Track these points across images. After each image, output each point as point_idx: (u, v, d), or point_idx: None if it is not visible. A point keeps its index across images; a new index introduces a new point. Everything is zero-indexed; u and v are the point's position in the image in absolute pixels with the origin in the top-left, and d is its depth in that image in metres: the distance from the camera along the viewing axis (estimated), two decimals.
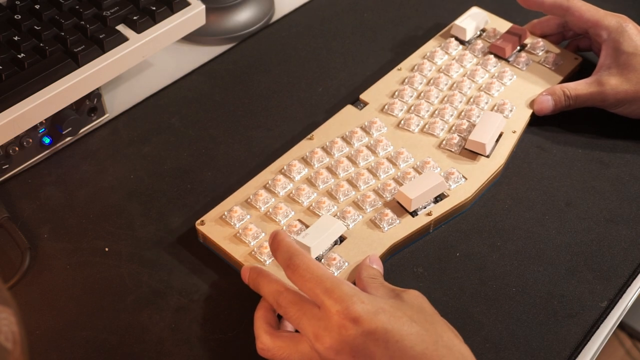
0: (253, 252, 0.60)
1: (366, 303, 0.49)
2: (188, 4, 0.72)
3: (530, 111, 0.72)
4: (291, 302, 0.52)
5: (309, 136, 0.69)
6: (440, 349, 0.49)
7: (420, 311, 0.51)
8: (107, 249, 0.63)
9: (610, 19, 0.72)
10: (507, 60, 0.77)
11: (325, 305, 0.50)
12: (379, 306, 0.50)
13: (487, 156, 0.67)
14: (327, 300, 0.50)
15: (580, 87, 0.71)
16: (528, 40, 0.78)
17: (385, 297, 0.52)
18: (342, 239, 0.61)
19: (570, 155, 0.71)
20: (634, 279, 0.62)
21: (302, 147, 0.68)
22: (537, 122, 0.73)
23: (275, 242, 0.55)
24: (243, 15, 0.84)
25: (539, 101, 0.72)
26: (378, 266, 0.58)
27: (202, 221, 0.62)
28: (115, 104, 0.76)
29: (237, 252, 0.60)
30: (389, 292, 0.54)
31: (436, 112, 0.72)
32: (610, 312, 0.59)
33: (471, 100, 0.73)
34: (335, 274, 0.57)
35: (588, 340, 0.58)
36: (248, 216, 0.63)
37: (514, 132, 0.70)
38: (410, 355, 0.48)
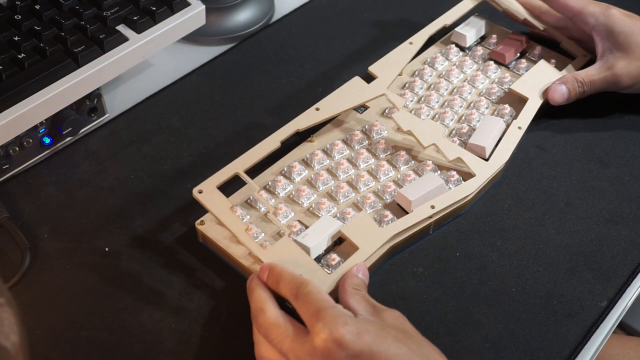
0: (253, 252, 0.60)
1: (350, 325, 0.49)
2: (188, 4, 0.72)
3: (531, 112, 0.72)
4: (273, 324, 0.51)
5: (315, 106, 0.68)
6: None
7: (403, 332, 0.50)
8: (107, 249, 0.63)
9: (594, 6, 0.73)
10: (507, 67, 0.77)
11: (313, 327, 0.49)
12: (363, 327, 0.49)
13: (487, 159, 0.67)
14: (316, 324, 0.49)
15: (591, 72, 0.71)
16: (528, 47, 0.78)
17: (366, 314, 0.52)
18: (341, 239, 0.61)
19: (570, 155, 0.71)
20: (634, 278, 0.62)
21: (303, 146, 0.68)
22: (537, 122, 0.73)
23: (275, 275, 0.54)
24: (243, 15, 0.84)
25: (553, 90, 0.71)
26: (364, 276, 0.57)
27: (202, 221, 0.62)
28: (115, 104, 0.76)
29: (236, 251, 0.60)
30: (369, 307, 0.53)
31: (437, 116, 0.72)
32: (610, 312, 0.59)
33: (471, 105, 0.73)
34: (333, 273, 0.57)
35: (588, 340, 0.58)
36: (248, 217, 0.63)
37: (520, 128, 0.69)
38: None
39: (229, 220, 0.59)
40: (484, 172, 0.65)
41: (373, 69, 0.72)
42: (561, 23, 0.77)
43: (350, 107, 0.68)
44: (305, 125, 0.66)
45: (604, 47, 0.72)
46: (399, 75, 0.76)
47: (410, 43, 0.75)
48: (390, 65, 0.72)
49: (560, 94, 0.71)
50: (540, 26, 0.78)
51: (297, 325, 0.51)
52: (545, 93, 0.72)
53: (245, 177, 0.62)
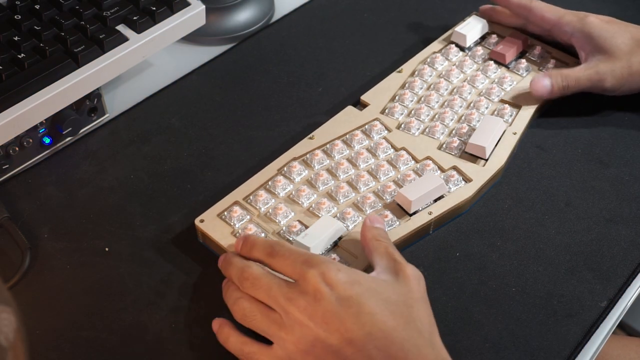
0: None
1: (343, 272, 0.50)
2: (188, 4, 0.72)
3: (531, 113, 0.72)
4: (260, 274, 0.52)
5: (309, 136, 0.69)
6: (411, 330, 0.49)
7: (404, 293, 0.51)
8: (107, 249, 0.63)
9: (570, 15, 0.74)
10: (507, 67, 0.77)
11: (303, 274, 0.50)
12: (355, 278, 0.50)
13: (487, 159, 0.67)
14: (305, 269, 0.50)
15: (577, 70, 0.72)
16: (528, 47, 0.79)
17: (383, 272, 0.52)
18: (341, 238, 0.61)
19: (570, 155, 0.71)
20: (634, 278, 0.62)
21: (302, 146, 0.68)
22: (537, 122, 0.73)
23: (250, 242, 0.55)
24: (243, 15, 0.84)
25: (536, 82, 0.71)
26: (381, 224, 0.58)
27: (202, 219, 0.62)
28: (115, 104, 0.76)
29: None
30: (390, 263, 0.53)
31: (437, 116, 0.72)
32: (610, 312, 0.59)
33: (471, 105, 0.73)
34: None
35: (588, 340, 0.58)
36: (248, 216, 0.63)
37: (514, 133, 0.70)
38: (380, 329, 0.48)
39: (231, 245, 0.60)
40: (480, 177, 0.66)
41: (365, 98, 0.73)
42: (543, 32, 0.78)
43: (344, 133, 0.69)
44: (300, 153, 0.67)
45: (587, 52, 0.72)
46: (399, 72, 0.76)
47: (399, 71, 0.76)
48: (382, 93, 0.74)
49: (542, 86, 0.71)
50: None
51: (282, 277, 0.52)
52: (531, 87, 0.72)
53: (246, 205, 0.63)
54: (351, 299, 0.49)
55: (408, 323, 0.49)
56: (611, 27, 0.71)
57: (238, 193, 0.64)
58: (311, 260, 0.51)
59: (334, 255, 0.59)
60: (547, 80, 0.71)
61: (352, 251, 0.60)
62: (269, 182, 0.65)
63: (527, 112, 0.72)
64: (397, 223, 0.62)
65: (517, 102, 0.73)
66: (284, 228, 0.62)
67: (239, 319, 0.54)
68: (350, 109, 0.72)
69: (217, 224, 0.62)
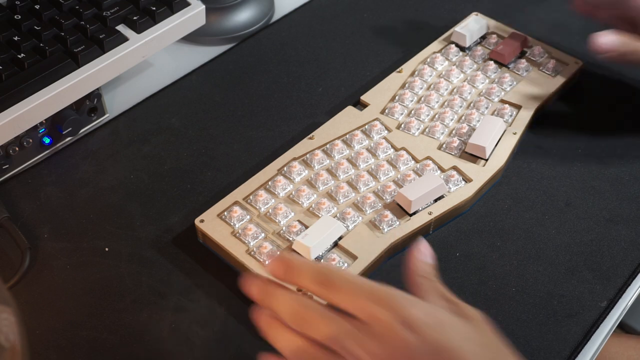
0: (252, 252, 0.60)
1: (417, 307, 0.41)
2: (188, 4, 0.72)
3: (531, 113, 0.72)
4: (321, 315, 0.42)
5: (309, 136, 0.69)
6: None
7: (485, 336, 0.43)
8: (107, 249, 0.63)
9: None
10: (507, 67, 0.77)
11: (372, 314, 0.41)
12: (438, 317, 0.41)
13: (487, 159, 0.67)
14: (374, 307, 0.41)
15: None
16: (528, 47, 0.78)
17: (444, 309, 0.44)
18: (341, 238, 0.61)
19: (570, 155, 0.71)
20: (634, 279, 0.62)
21: (303, 146, 0.68)
22: (537, 122, 0.73)
23: (295, 267, 0.45)
24: (243, 15, 0.84)
25: (603, 35, 0.66)
26: (432, 257, 0.48)
27: (202, 219, 0.62)
28: (115, 104, 0.76)
29: (236, 250, 0.60)
30: (446, 303, 0.44)
31: (436, 116, 0.72)
32: (610, 312, 0.59)
33: (471, 105, 0.73)
34: None
35: (588, 340, 0.58)
36: (248, 217, 0.63)
37: (514, 133, 0.70)
38: None
39: (231, 245, 0.60)
40: (480, 177, 0.66)
41: (365, 97, 0.73)
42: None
43: (344, 133, 0.69)
44: (300, 153, 0.67)
45: None
46: (399, 72, 0.76)
47: (399, 71, 0.76)
48: (382, 93, 0.74)
49: (610, 40, 0.66)
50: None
51: (346, 317, 0.42)
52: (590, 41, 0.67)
53: (246, 206, 0.63)
54: (439, 343, 0.40)
55: None
56: None
57: (238, 193, 0.64)
58: (376, 293, 0.42)
59: (334, 256, 0.59)
60: (614, 38, 0.66)
61: (352, 251, 0.60)
62: (269, 182, 0.65)
63: (527, 112, 0.72)
64: (397, 223, 0.62)
65: (517, 102, 0.73)
66: (284, 228, 0.62)
67: None
68: (350, 109, 0.72)
69: (217, 224, 0.62)
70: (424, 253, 0.48)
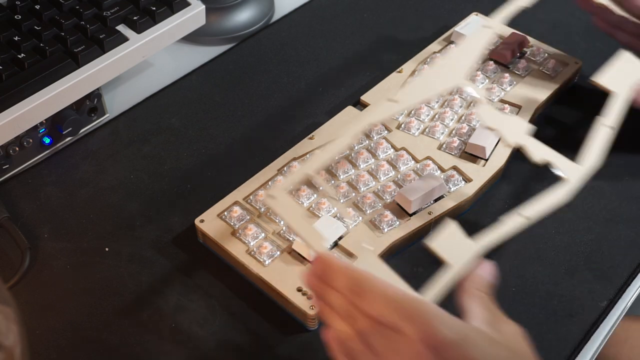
0: (252, 252, 0.60)
1: (447, 326, 0.41)
2: (188, 4, 0.72)
3: (531, 113, 0.72)
4: (365, 325, 0.44)
5: (309, 136, 0.69)
6: None
7: (513, 351, 0.44)
8: (107, 249, 0.63)
9: None
10: (507, 67, 0.77)
11: (399, 329, 0.42)
12: (463, 333, 0.42)
13: (487, 159, 0.67)
14: (402, 323, 0.42)
15: None
16: (528, 47, 0.78)
17: (480, 321, 0.44)
18: (341, 239, 0.61)
19: (570, 155, 0.70)
20: (634, 278, 0.62)
21: (303, 146, 0.68)
22: (537, 122, 0.73)
23: (331, 269, 0.46)
24: (243, 15, 0.84)
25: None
26: (492, 276, 0.49)
27: (202, 219, 0.62)
28: (115, 104, 0.76)
29: (236, 250, 0.60)
30: (487, 314, 0.45)
31: (436, 116, 0.72)
32: (610, 312, 0.59)
33: (471, 105, 0.73)
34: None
35: (588, 340, 0.58)
36: (248, 217, 0.63)
37: None
38: None
39: (231, 245, 0.60)
40: (480, 177, 0.66)
41: (365, 97, 0.73)
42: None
43: (344, 134, 0.68)
44: (300, 153, 0.67)
45: None
46: (399, 72, 0.76)
47: (400, 71, 0.76)
48: (382, 93, 0.73)
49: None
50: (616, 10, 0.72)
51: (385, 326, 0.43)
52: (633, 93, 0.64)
53: (246, 206, 0.63)
54: None
55: None
56: None
57: (238, 193, 0.64)
58: (406, 307, 0.42)
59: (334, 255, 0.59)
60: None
61: (352, 251, 0.60)
62: (269, 183, 0.65)
63: (527, 112, 0.72)
64: (397, 223, 0.62)
65: (517, 102, 0.73)
66: (284, 228, 0.62)
67: (342, 353, 0.46)
68: (350, 109, 0.72)
69: (217, 224, 0.62)
70: (487, 270, 0.49)
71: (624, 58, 0.64)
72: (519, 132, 0.60)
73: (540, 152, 0.59)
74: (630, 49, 0.66)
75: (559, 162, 0.58)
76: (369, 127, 0.63)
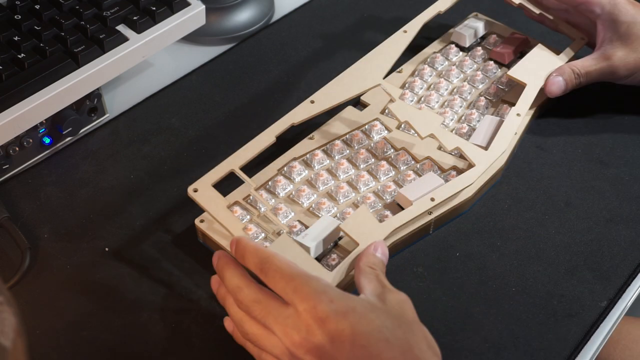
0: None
1: (335, 302, 0.47)
2: (188, 4, 0.72)
3: (531, 113, 0.72)
4: (254, 300, 0.50)
5: (309, 136, 0.69)
6: (409, 357, 0.46)
7: (397, 317, 0.49)
8: (107, 249, 0.63)
9: None
10: (507, 67, 0.77)
11: (294, 303, 0.48)
12: (349, 306, 0.47)
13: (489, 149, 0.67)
14: (295, 298, 0.48)
15: (588, 63, 0.71)
16: (528, 47, 0.78)
17: (371, 295, 0.50)
18: (341, 239, 0.61)
19: (570, 155, 0.71)
20: (634, 279, 0.62)
21: (303, 146, 0.68)
22: (537, 122, 0.73)
23: (240, 249, 0.53)
24: (243, 15, 0.84)
25: (550, 82, 0.71)
26: (382, 254, 0.56)
27: (202, 219, 0.62)
28: (115, 104, 0.76)
29: (233, 226, 0.59)
30: (378, 288, 0.51)
31: None
32: (610, 312, 0.59)
33: (471, 105, 0.73)
34: (334, 272, 0.57)
35: (588, 340, 0.58)
36: (248, 217, 0.63)
37: (518, 115, 0.69)
38: None
39: (225, 219, 0.59)
40: (484, 161, 0.64)
41: (365, 97, 0.72)
42: (561, 6, 0.77)
43: (346, 98, 0.67)
44: (300, 118, 0.65)
45: (604, 37, 0.72)
46: (399, 72, 0.76)
47: (405, 31, 0.75)
48: (382, 93, 0.71)
49: (557, 86, 0.71)
50: (535, 10, 0.77)
51: (277, 299, 0.50)
52: (544, 82, 0.71)
53: (242, 175, 0.62)
54: (343, 333, 0.46)
55: (405, 352, 0.47)
56: (637, 13, 0.71)
57: (238, 193, 0.64)
58: (301, 289, 0.48)
59: (334, 255, 0.59)
60: (560, 79, 0.71)
61: (352, 251, 0.60)
62: (269, 182, 0.65)
63: (527, 112, 0.72)
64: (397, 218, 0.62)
65: (521, 81, 0.72)
66: (284, 228, 0.62)
67: (244, 336, 0.53)
68: (350, 109, 0.72)
69: (217, 224, 0.62)
70: (378, 248, 0.56)
71: (537, 52, 0.74)
72: (430, 124, 0.65)
73: (450, 141, 0.65)
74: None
75: (467, 149, 0.64)
76: (288, 127, 0.65)
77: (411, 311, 0.51)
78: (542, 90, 0.72)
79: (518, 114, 0.69)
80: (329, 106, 0.67)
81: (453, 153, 0.68)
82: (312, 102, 0.67)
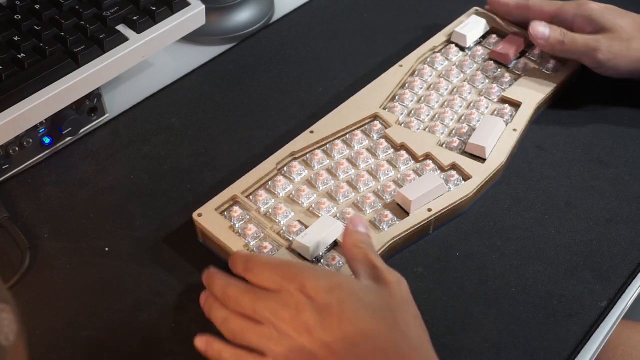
0: (252, 251, 0.60)
1: (323, 279, 0.49)
2: (188, 4, 0.72)
3: (531, 112, 0.72)
4: (243, 291, 0.51)
5: (309, 129, 0.69)
6: (395, 334, 0.48)
7: (386, 295, 0.50)
8: (107, 249, 0.63)
9: (569, 4, 0.75)
10: (507, 67, 0.77)
11: (283, 287, 0.50)
12: (335, 282, 0.49)
13: (486, 160, 0.67)
14: (284, 282, 0.50)
15: (577, 34, 0.73)
16: (528, 47, 0.78)
17: (364, 278, 0.51)
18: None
19: (570, 155, 0.71)
20: (634, 279, 0.62)
21: (302, 140, 0.68)
22: (537, 122, 0.73)
23: (230, 258, 0.55)
24: (243, 15, 0.84)
25: (535, 26, 0.73)
26: (365, 227, 0.55)
27: (200, 214, 0.62)
28: (115, 104, 0.76)
29: (235, 244, 0.60)
30: (369, 270, 0.52)
31: (437, 116, 0.72)
32: (610, 312, 0.59)
33: (471, 105, 0.73)
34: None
35: (588, 340, 0.58)
36: (248, 216, 0.63)
37: (515, 130, 0.69)
38: (361, 335, 0.47)
39: (228, 239, 0.60)
40: (481, 174, 0.65)
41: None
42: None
43: (344, 127, 0.69)
44: (300, 147, 0.67)
45: (589, 33, 0.73)
46: (400, 66, 0.76)
47: (400, 66, 0.76)
48: (382, 87, 0.73)
49: (541, 32, 0.73)
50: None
51: (266, 290, 0.51)
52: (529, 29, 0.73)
53: (245, 200, 0.63)
54: (331, 306, 0.48)
55: (391, 328, 0.48)
56: (612, 11, 0.73)
57: (236, 187, 0.64)
58: (289, 272, 0.50)
59: (334, 255, 0.60)
60: (547, 29, 0.72)
61: None
62: (269, 182, 0.65)
63: (527, 111, 0.72)
64: (397, 223, 0.62)
65: (517, 101, 0.72)
66: (284, 228, 0.62)
67: (230, 337, 0.52)
68: (351, 101, 0.72)
69: (215, 218, 0.61)
70: (357, 223, 0.55)
71: (532, 73, 0.75)
72: (426, 144, 0.68)
73: (446, 157, 0.67)
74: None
75: (463, 164, 0.66)
76: (289, 156, 0.67)
77: (405, 290, 0.51)
78: (538, 105, 0.72)
79: (514, 130, 0.69)
80: (328, 134, 0.69)
81: (453, 147, 0.68)
82: (312, 132, 0.68)
